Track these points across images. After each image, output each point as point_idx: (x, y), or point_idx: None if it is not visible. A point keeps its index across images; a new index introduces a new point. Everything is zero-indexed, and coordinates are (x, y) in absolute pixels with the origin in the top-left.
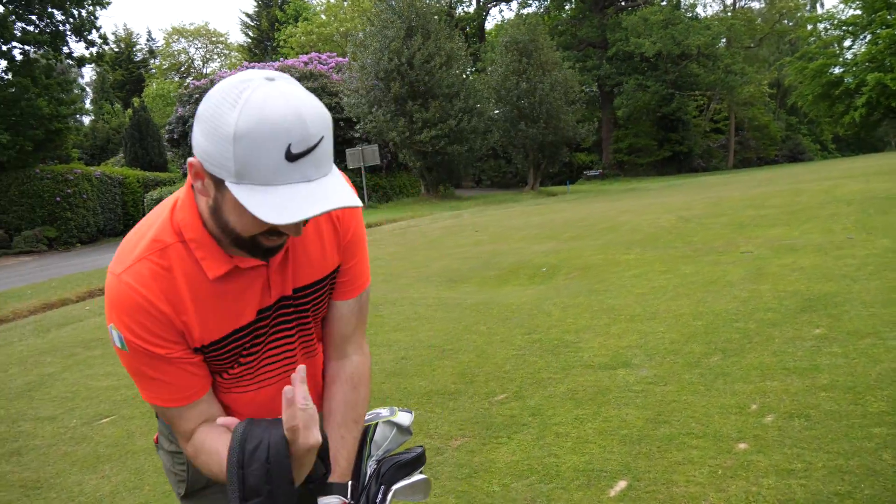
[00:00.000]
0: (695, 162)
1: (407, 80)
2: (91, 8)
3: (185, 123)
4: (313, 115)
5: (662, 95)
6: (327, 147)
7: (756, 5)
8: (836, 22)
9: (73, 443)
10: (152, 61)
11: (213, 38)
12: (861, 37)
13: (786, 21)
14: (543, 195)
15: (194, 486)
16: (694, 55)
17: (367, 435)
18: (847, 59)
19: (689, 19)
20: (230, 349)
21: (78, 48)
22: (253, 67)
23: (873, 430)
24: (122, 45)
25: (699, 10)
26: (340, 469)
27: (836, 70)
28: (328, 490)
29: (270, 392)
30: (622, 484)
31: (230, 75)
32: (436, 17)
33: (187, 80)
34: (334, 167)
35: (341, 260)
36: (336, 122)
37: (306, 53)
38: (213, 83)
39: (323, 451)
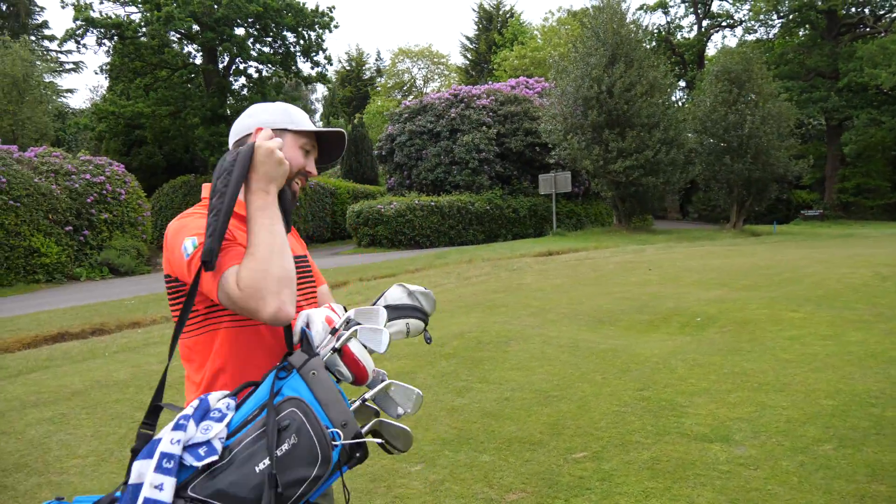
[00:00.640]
0: None
1: (605, 109)
2: (320, 31)
3: (393, 141)
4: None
5: None
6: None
7: None
8: None
9: None
10: (378, 80)
11: (435, 59)
12: None
13: None
14: (744, 234)
15: None
16: None
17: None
18: None
19: None
20: None
21: (305, 68)
22: (476, 87)
23: None
24: (353, 64)
25: None
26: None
27: None
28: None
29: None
30: None
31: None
32: (644, 44)
33: (408, 98)
34: None
35: (305, 253)
36: (532, 146)
37: (516, 77)
38: (421, 104)
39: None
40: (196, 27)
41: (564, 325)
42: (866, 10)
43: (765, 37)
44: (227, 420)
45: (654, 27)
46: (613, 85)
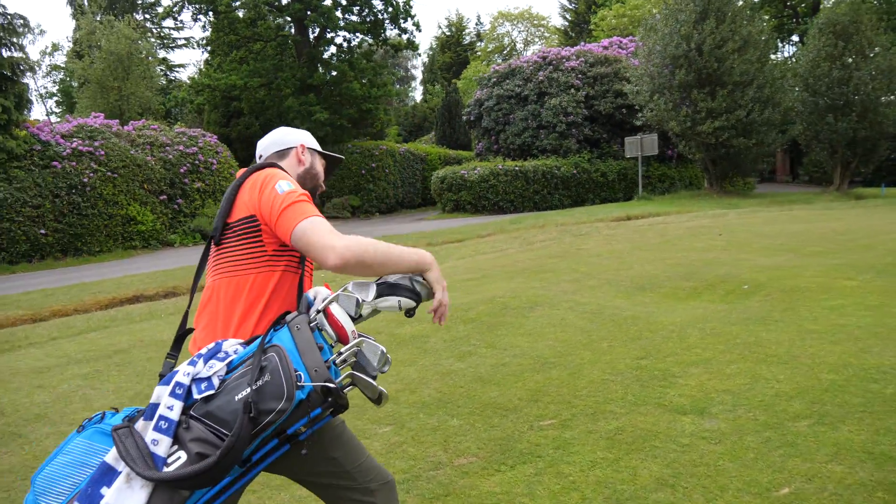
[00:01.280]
0: None
1: (694, 67)
2: None
3: (482, 106)
4: None
5: None
6: None
7: None
8: None
9: None
10: (478, 44)
11: (535, 22)
12: None
13: None
14: (847, 198)
15: None
16: None
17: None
18: None
19: None
20: None
21: (393, 36)
22: (565, 49)
23: None
24: (453, 30)
25: None
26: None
27: None
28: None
29: None
30: None
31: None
32: None
33: (498, 63)
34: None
35: None
36: (622, 108)
37: (613, 37)
38: (510, 68)
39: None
40: None
41: (601, 291)
42: None
43: None
44: (228, 360)
45: None
46: (703, 42)
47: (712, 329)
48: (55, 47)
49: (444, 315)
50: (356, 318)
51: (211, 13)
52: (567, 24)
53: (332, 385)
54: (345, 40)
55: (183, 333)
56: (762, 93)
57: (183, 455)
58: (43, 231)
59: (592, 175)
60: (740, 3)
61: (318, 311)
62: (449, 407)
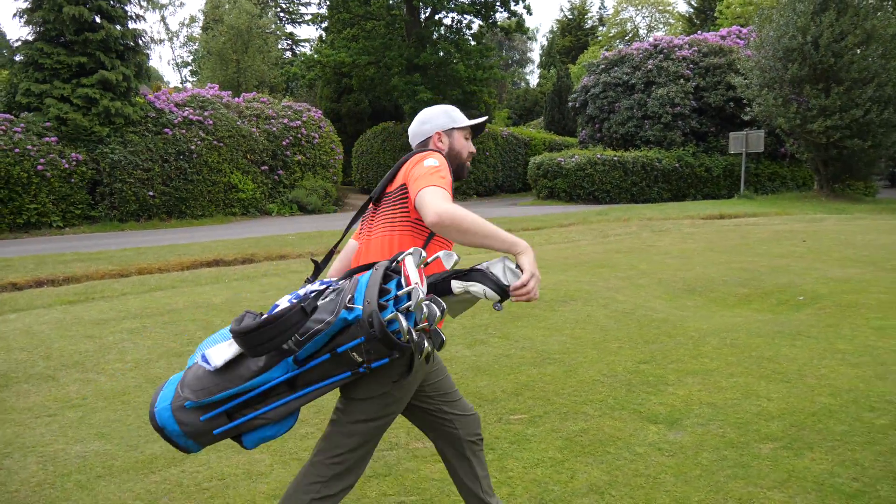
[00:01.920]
0: None
1: (809, 62)
2: None
3: (587, 92)
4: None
5: None
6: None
7: None
8: None
9: None
10: (600, 29)
11: (661, 7)
12: None
13: None
14: None
15: None
16: None
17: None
18: None
19: None
20: None
21: (502, 18)
22: (678, 38)
23: None
24: (575, 13)
25: None
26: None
27: None
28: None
29: None
30: None
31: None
32: None
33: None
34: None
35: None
36: (733, 101)
37: (733, 27)
38: (619, 55)
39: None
40: None
41: (646, 290)
42: None
43: None
44: (332, 286)
45: None
46: (821, 35)
47: (734, 340)
48: (192, 19)
49: (525, 298)
50: (444, 290)
51: None
52: (692, 10)
53: (374, 318)
54: (454, 21)
55: (317, 263)
56: (883, 91)
57: None
58: (151, 193)
59: (696, 169)
60: None
61: (397, 261)
62: None
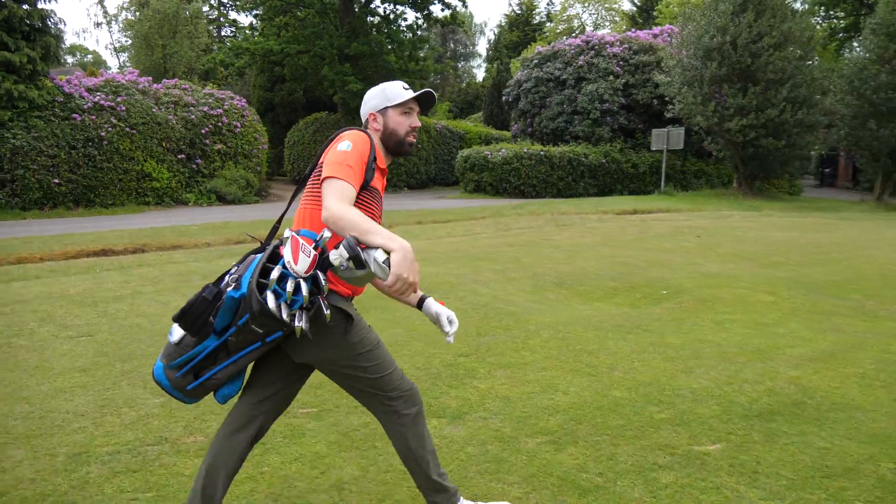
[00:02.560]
0: None
1: (728, 61)
2: None
3: (520, 87)
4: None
5: None
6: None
7: None
8: None
9: None
10: (548, 24)
11: (607, 5)
12: None
13: None
14: (881, 209)
15: None
16: None
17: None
18: None
19: None
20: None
21: (436, 10)
22: (596, 35)
23: None
24: (524, 8)
25: None
26: None
27: None
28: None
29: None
30: None
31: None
32: None
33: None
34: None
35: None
36: (657, 98)
37: (666, 25)
38: (553, 51)
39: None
40: None
41: (515, 284)
42: None
43: None
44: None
45: None
46: (739, 35)
47: (567, 333)
48: (131, 2)
49: (398, 293)
50: (328, 264)
51: None
52: (635, 8)
53: (252, 297)
54: (388, 12)
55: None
56: (798, 92)
57: None
58: (56, 180)
59: (622, 165)
60: None
61: (286, 239)
62: None
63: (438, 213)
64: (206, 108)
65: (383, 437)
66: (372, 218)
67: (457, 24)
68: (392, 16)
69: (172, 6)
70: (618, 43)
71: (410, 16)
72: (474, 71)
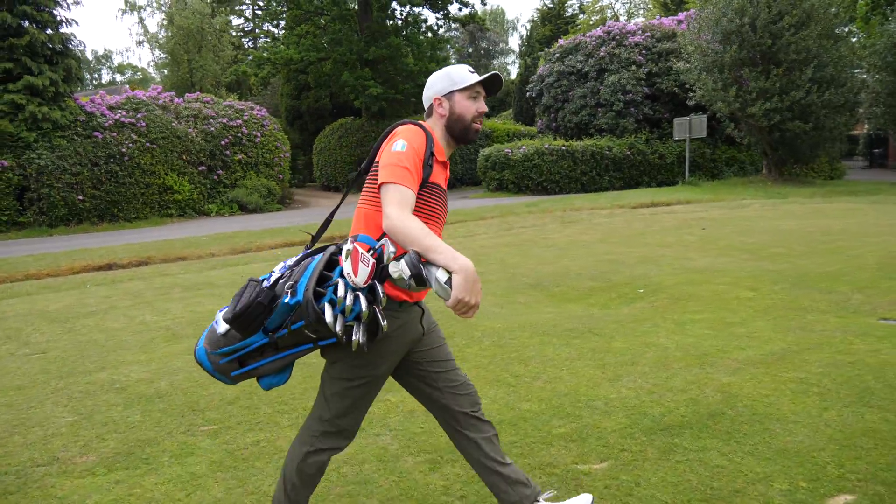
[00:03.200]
0: None
1: (747, 44)
2: None
3: (543, 82)
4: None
5: None
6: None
7: None
8: None
9: None
10: (581, 17)
11: None
12: None
13: None
14: None
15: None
16: None
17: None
18: None
19: None
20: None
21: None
22: (617, 25)
23: None
24: (555, 2)
25: None
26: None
27: None
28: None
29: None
30: None
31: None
32: None
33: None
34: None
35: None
36: (682, 86)
37: (691, 10)
38: (574, 43)
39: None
40: None
41: (488, 287)
42: None
43: None
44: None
45: None
46: (758, 16)
47: (511, 339)
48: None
49: (465, 314)
50: (387, 275)
51: None
52: None
53: (309, 306)
54: (406, 15)
55: (314, 238)
56: (823, 72)
57: None
58: (81, 197)
59: (648, 157)
60: None
61: (348, 251)
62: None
63: (450, 214)
64: (225, 120)
65: (268, 455)
66: (436, 216)
67: (476, 22)
68: (410, 18)
69: (196, 22)
70: (640, 32)
71: (430, 17)
72: (509, 68)
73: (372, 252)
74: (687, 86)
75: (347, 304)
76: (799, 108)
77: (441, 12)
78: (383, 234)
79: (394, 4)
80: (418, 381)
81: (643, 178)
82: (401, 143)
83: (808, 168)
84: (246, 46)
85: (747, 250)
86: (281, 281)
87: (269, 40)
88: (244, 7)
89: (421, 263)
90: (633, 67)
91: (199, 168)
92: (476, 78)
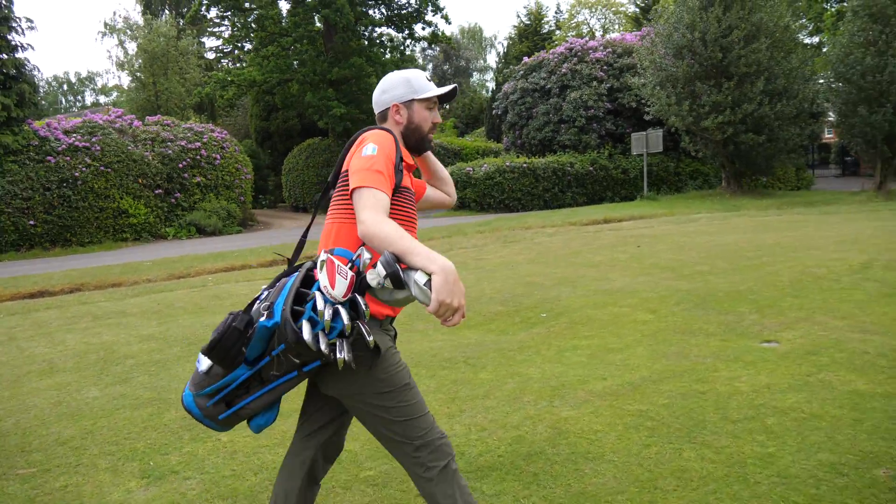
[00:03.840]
0: None
1: (699, 58)
2: None
3: (507, 99)
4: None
5: None
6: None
7: None
8: None
9: None
10: (557, 33)
11: (613, 9)
12: None
13: None
14: (883, 198)
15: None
16: None
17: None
18: None
19: None
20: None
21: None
22: (579, 41)
23: None
24: (532, 18)
25: None
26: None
27: None
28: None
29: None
30: None
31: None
32: None
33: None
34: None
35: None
36: (642, 101)
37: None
38: (538, 60)
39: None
40: None
41: None
42: None
43: None
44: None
45: None
46: (707, 30)
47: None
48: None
49: (448, 321)
50: (366, 286)
51: (234, 10)
52: (638, 9)
53: (287, 326)
54: (369, 35)
55: (291, 262)
56: (775, 84)
57: None
58: (32, 222)
59: (611, 172)
60: None
61: (322, 262)
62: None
63: None
64: (183, 143)
65: (69, 500)
66: (409, 220)
67: (441, 41)
68: (375, 38)
69: (160, 46)
70: (601, 48)
71: (397, 37)
72: (488, 84)
73: (351, 266)
74: (642, 101)
75: (327, 320)
76: (752, 120)
77: (405, 31)
78: (362, 245)
79: (358, 25)
80: (327, 404)
81: (606, 194)
82: (371, 147)
83: (774, 179)
84: (227, 67)
85: (670, 268)
86: (257, 304)
87: (246, 62)
88: (223, 29)
89: (398, 265)
90: (595, 83)
91: (156, 191)
92: (437, 90)
